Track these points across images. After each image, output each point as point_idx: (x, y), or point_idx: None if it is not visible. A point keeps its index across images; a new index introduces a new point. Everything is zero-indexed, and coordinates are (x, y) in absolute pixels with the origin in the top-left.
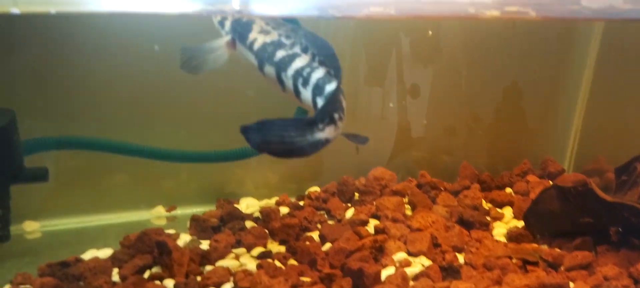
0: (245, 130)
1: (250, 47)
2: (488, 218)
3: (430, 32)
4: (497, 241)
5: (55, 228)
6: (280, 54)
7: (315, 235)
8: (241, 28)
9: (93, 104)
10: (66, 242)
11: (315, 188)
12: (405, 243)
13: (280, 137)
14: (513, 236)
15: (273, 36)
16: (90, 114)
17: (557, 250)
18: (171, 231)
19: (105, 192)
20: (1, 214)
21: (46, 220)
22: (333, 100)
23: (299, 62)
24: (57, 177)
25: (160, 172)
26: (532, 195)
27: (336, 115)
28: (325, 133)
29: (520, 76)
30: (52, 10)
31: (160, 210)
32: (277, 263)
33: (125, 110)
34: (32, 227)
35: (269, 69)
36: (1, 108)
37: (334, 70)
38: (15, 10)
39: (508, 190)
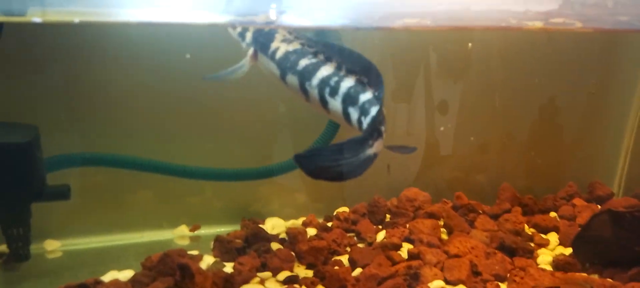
0: (298, 159)
1: (272, 57)
2: (532, 244)
3: (469, 45)
4: (542, 270)
5: (77, 248)
6: (303, 62)
7: (344, 259)
8: (263, 38)
9: (116, 119)
10: (87, 262)
11: (344, 209)
12: (442, 270)
13: (334, 160)
14: (560, 265)
15: (295, 45)
16: (114, 130)
17: (610, 280)
18: (194, 252)
19: (127, 210)
20: (22, 233)
21: (67, 239)
22: (379, 113)
23: (325, 71)
24: (79, 194)
25: (184, 190)
26: (580, 221)
27: (382, 128)
28: (374, 148)
29: (561, 91)
30: (77, 19)
31: (183, 230)
32: None
33: (148, 125)
34: (53, 246)
35: (292, 78)
36: (24, 124)
37: (374, 80)
38: (37, 19)
39: (552, 214)
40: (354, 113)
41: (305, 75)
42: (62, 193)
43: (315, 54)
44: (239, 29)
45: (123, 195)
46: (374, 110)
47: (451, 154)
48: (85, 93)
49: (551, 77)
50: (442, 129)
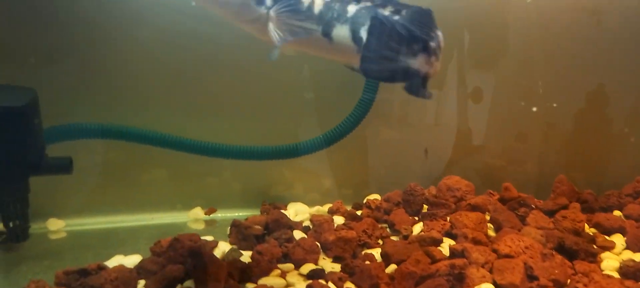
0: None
1: (308, 13)
2: (595, 247)
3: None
4: (608, 276)
5: (82, 228)
6: (352, 8)
7: (376, 252)
8: None
9: (132, 90)
10: (92, 244)
11: (375, 196)
12: (491, 271)
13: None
14: (629, 272)
15: None
16: (130, 101)
17: None
18: (209, 237)
19: (139, 189)
20: (19, 209)
21: (73, 219)
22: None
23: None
24: (87, 170)
25: (200, 169)
26: None
27: (433, 46)
28: (418, 61)
29: (619, 76)
30: None
31: (198, 213)
32: (332, 286)
33: (162, 99)
34: (56, 226)
35: (342, 30)
36: (20, 86)
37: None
38: None
39: (617, 213)
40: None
41: (360, 21)
42: (64, 166)
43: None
44: None
45: (135, 173)
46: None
47: (491, 141)
48: (99, 59)
49: (603, 62)
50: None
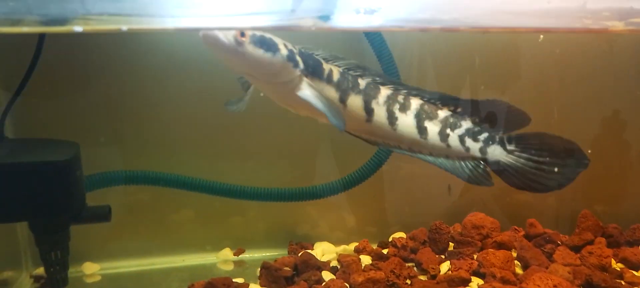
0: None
1: (328, 79)
2: (623, 282)
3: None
4: None
5: (116, 271)
6: (363, 82)
7: None
8: (313, 61)
9: (160, 136)
10: (127, 287)
11: (400, 235)
12: None
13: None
14: None
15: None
16: (158, 148)
17: None
18: (239, 280)
19: (169, 231)
20: (59, 257)
21: (107, 262)
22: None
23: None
24: (120, 214)
25: (226, 210)
26: None
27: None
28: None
29: (632, 103)
30: (124, 27)
31: (227, 253)
32: None
33: (191, 144)
34: (91, 270)
35: (356, 99)
36: (65, 141)
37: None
38: (78, 28)
39: None
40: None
41: (371, 94)
42: (103, 214)
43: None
44: (283, 52)
45: (164, 216)
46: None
47: None
48: (129, 110)
49: (620, 90)
50: None
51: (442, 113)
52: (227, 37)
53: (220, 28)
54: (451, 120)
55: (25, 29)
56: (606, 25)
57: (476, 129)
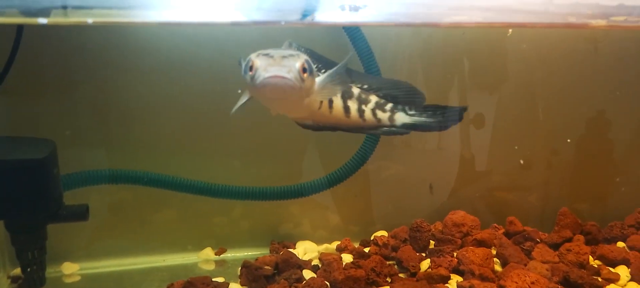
0: None
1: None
2: (599, 279)
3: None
4: None
5: (96, 271)
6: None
7: None
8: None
9: (141, 135)
10: (106, 287)
11: (382, 233)
12: None
13: None
14: None
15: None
16: (138, 146)
17: None
18: (220, 279)
19: (150, 231)
20: (36, 256)
21: (87, 262)
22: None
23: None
24: (100, 214)
25: (209, 210)
26: None
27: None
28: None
29: (621, 104)
30: (90, 20)
31: (208, 253)
32: None
33: (171, 142)
34: (70, 270)
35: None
36: (41, 138)
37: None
38: (42, 20)
39: (620, 244)
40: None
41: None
42: (81, 213)
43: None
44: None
45: (145, 215)
46: None
47: (494, 172)
48: (112, 108)
49: (604, 91)
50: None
51: (356, 90)
52: (295, 79)
53: (205, 24)
54: (363, 96)
55: None
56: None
57: (382, 102)
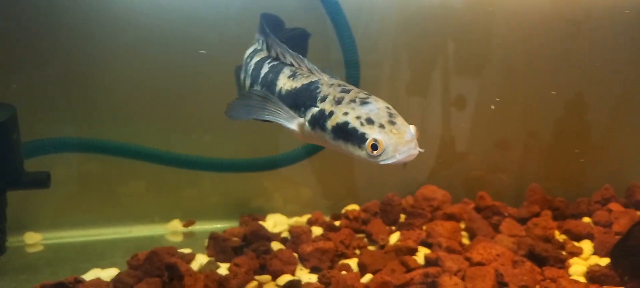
0: None
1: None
2: (564, 253)
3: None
4: (575, 282)
5: (59, 241)
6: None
7: (353, 262)
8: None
9: (109, 103)
10: (69, 257)
11: (353, 207)
12: (463, 279)
13: None
14: (595, 277)
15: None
16: (106, 114)
17: None
18: (186, 250)
19: (117, 202)
20: None
21: (50, 232)
22: None
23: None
24: (65, 183)
25: (178, 182)
26: (616, 227)
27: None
28: None
29: (595, 86)
30: None
31: (176, 225)
32: None
33: (142, 111)
34: (33, 239)
35: None
36: (0, 102)
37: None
38: None
39: (586, 219)
40: None
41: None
42: (42, 180)
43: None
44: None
45: (113, 186)
46: None
47: (471, 151)
48: (80, 75)
49: (581, 72)
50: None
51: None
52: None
53: None
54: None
55: None
56: None
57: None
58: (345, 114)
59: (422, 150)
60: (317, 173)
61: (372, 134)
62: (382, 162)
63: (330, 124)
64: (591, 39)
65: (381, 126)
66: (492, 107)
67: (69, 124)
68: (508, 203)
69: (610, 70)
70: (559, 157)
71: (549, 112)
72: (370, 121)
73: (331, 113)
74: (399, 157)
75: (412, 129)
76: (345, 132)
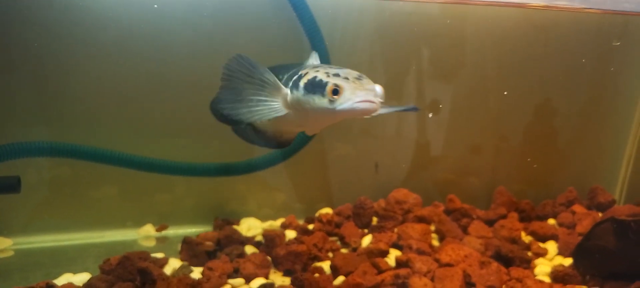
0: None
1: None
2: (529, 253)
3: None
4: (540, 281)
5: (31, 246)
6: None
7: (326, 265)
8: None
9: (81, 107)
10: (40, 262)
11: (327, 210)
12: (432, 280)
13: None
14: (559, 276)
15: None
16: (77, 118)
17: None
18: (159, 255)
19: (89, 206)
20: None
21: (21, 237)
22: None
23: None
24: (36, 188)
25: (151, 186)
26: (579, 229)
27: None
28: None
29: (560, 92)
30: None
31: (149, 230)
32: None
33: (114, 115)
34: (4, 244)
35: None
36: None
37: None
38: None
39: (551, 221)
40: None
41: None
42: (12, 185)
43: None
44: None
45: (84, 191)
46: None
47: (443, 155)
48: (53, 79)
49: (549, 79)
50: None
51: None
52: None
53: None
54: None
55: None
56: None
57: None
58: (317, 71)
59: (387, 110)
60: (292, 177)
61: (334, 80)
62: (339, 107)
63: (302, 81)
64: (559, 46)
65: (346, 78)
66: (430, 115)
67: (39, 127)
68: (480, 206)
69: (576, 77)
70: (528, 161)
71: (519, 117)
72: (337, 75)
73: (306, 74)
74: (356, 101)
75: (378, 87)
76: (313, 85)
